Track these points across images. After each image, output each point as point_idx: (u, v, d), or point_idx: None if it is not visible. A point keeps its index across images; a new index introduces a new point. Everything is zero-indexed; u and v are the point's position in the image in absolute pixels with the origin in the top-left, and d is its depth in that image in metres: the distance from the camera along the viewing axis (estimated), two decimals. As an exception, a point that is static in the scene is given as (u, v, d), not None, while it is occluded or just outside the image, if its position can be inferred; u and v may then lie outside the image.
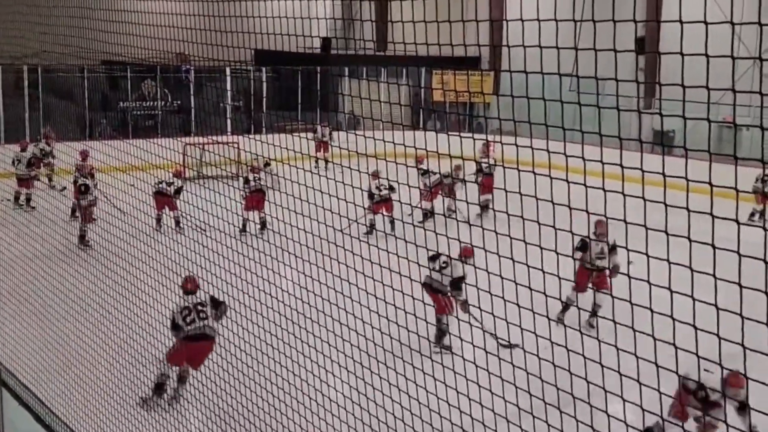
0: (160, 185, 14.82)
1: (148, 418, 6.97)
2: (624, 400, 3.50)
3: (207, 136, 14.55)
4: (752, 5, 18.15)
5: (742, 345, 2.95)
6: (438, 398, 4.66)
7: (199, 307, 8.13)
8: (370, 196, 15.16)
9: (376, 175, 14.17)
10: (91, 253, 8.83)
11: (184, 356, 8.08)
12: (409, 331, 4.86)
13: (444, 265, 9.69)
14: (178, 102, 25.91)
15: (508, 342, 4.49)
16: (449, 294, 9.79)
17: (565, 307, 10.31)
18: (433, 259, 9.42)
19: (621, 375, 3.51)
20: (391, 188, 14.84)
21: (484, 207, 14.50)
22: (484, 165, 16.32)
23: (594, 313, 10.34)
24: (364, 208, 14.14)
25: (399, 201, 15.00)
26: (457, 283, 9.64)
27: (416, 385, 4.86)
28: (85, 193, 14.68)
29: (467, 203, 10.77)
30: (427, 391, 4.74)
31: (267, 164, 17.47)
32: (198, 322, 8.07)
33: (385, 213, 15.29)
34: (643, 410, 3.37)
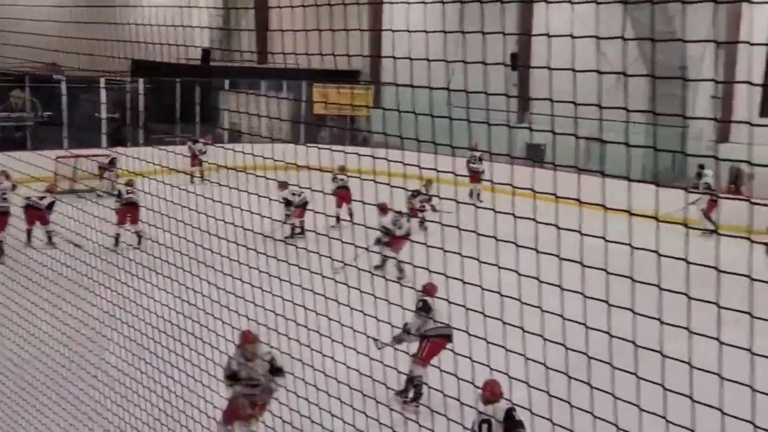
0: (31, 199, 14.23)
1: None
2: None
3: (80, 149, 14.01)
4: (617, 24, 18.96)
5: (689, 364, 3.08)
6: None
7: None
8: (288, 203, 15.17)
9: (284, 185, 14.14)
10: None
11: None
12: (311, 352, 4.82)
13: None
14: (50, 113, 24.82)
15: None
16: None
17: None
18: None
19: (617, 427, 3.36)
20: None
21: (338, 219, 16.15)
22: (339, 178, 16.40)
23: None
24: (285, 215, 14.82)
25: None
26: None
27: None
28: None
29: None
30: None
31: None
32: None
33: (297, 218, 15.30)
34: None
